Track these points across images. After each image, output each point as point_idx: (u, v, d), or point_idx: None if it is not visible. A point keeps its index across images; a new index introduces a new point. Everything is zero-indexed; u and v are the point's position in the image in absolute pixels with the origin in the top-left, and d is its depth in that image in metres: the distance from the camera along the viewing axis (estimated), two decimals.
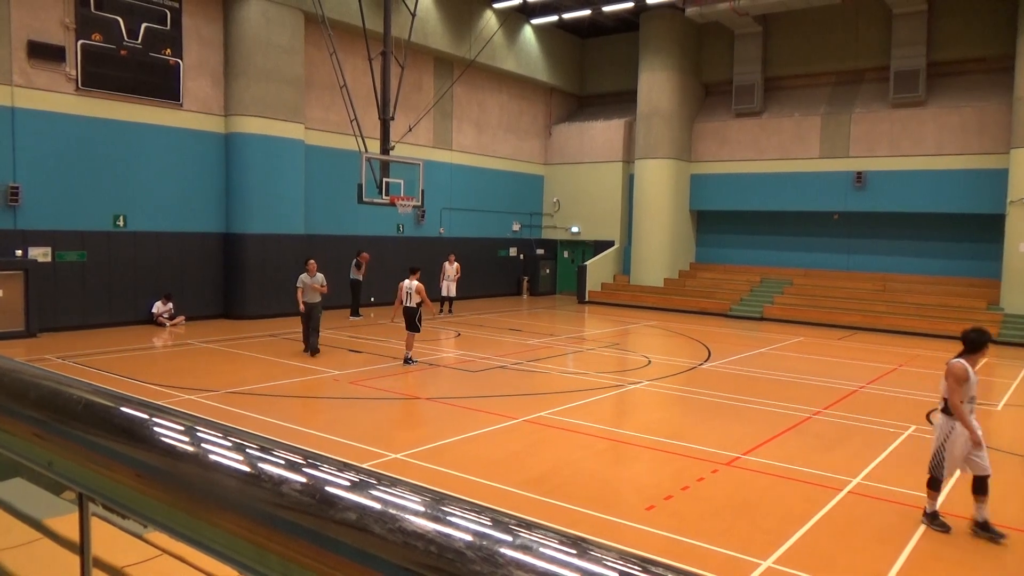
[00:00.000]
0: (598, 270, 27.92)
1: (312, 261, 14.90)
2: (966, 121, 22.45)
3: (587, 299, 27.34)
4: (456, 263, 22.19)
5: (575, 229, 29.58)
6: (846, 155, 24.42)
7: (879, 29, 24.07)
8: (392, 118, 19.83)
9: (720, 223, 27.93)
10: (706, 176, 27.34)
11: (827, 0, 22.42)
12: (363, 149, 18.88)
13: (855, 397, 12.21)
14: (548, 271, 30.27)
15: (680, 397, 12.10)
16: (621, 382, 12.89)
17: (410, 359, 13.87)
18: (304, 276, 14.49)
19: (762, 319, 23.23)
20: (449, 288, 21.93)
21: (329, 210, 21.95)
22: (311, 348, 14.39)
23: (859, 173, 24.00)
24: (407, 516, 0.88)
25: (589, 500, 7.01)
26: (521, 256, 29.43)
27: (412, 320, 13.80)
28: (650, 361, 15.17)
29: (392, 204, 19.29)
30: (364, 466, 1.07)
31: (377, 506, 0.91)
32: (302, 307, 14.39)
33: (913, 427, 10.21)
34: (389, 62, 19.60)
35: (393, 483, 0.98)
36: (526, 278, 29.47)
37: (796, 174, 25.30)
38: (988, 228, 22.08)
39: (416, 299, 13.74)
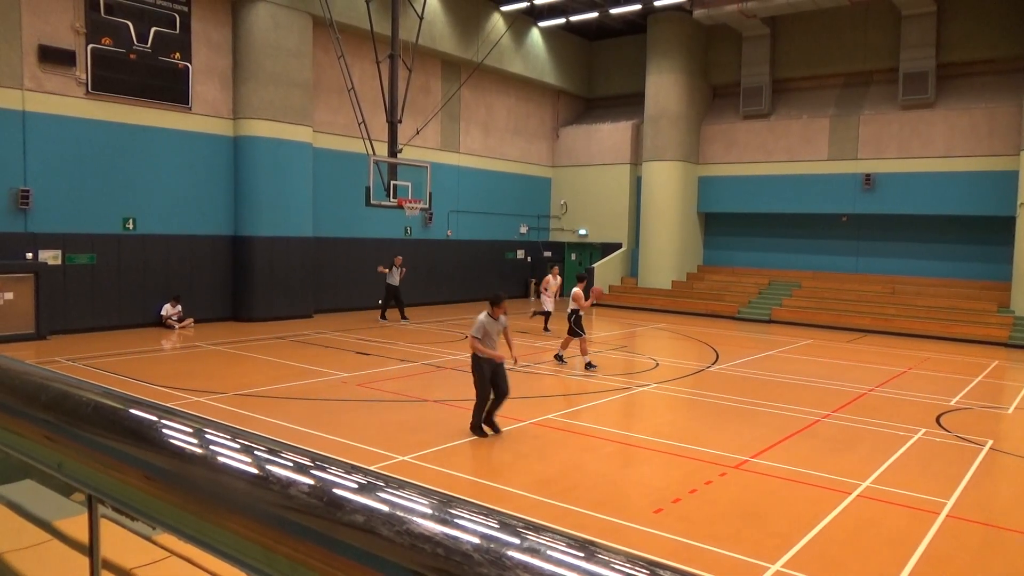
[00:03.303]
0: (605, 272, 27.88)
1: (504, 299, 10.04)
2: (976, 123, 22.34)
3: (594, 302, 27.27)
4: (559, 277, 20.18)
5: (582, 231, 29.56)
6: (855, 157, 24.34)
7: (888, 31, 23.98)
8: (400, 121, 19.88)
9: (728, 225, 27.86)
10: (714, 178, 27.29)
11: (835, 2, 22.37)
12: (371, 152, 18.93)
13: (865, 400, 12.15)
14: None
15: (688, 400, 12.06)
16: (629, 384, 12.86)
17: (590, 364, 14.06)
18: (485, 319, 9.45)
19: (770, 322, 23.15)
20: (546, 303, 19.61)
21: (337, 213, 22.01)
22: (492, 423, 9.35)
23: (868, 175, 23.90)
24: (414, 518, 0.88)
25: (597, 503, 7.00)
26: (528, 258, 29.43)
27: (568, 325, 14.31)
28: (658, 363, 15.14)
29: (400, 207, 19.33)
30: (371, 468, 1.07)
31: (385, 508, 0.91)
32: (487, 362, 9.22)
33: (923, 430, 10.15)
34: (397, 65, 19.65)
35: (400, 485, 0.98)
36: (533, 280, 29.46)
37: (804, 176, 25.22)
38: (998, 230, 21.95)
39: (572, 304, 14.28)
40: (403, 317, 20.58)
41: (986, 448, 9.45)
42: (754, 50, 26.25)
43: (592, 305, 16.67)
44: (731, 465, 8.33)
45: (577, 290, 14.33)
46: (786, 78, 26.27)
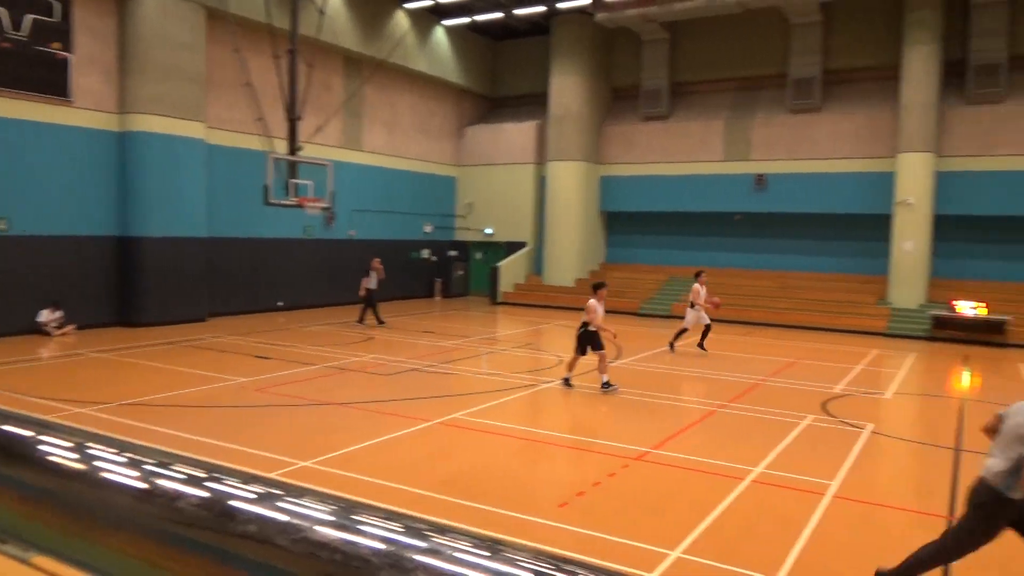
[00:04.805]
0: (511, 271, 28.11)
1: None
2: (858, 127, 23.80)
3: (500, 300, 27.48)
4: (706, 286, 16.68)
5: (488, 230, 29.67)
6: (748, 158, 25.47)
7: (778, 38, 25.21)
8: (299, 118, 19.37)
9: (629, 224, 28.61)
10: (616, 178, 27.96)
11: (729, 10, 23.32)
12: (269, 149, 18.37)
13: (757, 390, 12.74)
14: (461, 273, 30.26)
15: (592, 395, 12.30)
16: (534, 381, 13.01)
17: (606, 383, 12.18)
18: (597, 304, 11.97)
19: (670, 317, 23.91)
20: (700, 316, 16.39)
21: (233, 212, 21.23)
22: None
23: (760, 175, 25.06)
24: (312, 526, 0.87)
25: (503, 500, 7.05)
26: (434, 258, 29.30)
27: (576, 341, 12.47)
28: (562, 360, 15.37)
29: (300, 206, 18.83)
30: (270, 476, 1.04)
31: (281, 517, 0.89)
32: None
33: (811, 417, 10.74)
34: (296, 60, 19.14)
35: (298, 493, 0.96)
36: (439, 280, 29.35)
37: (701, 176, 26.18)
38: (877, 228, 23.46)
39: (585, 317, 12.33)
40: (379, 321, 19.88)
41: (867, 431, 10.09)
42: (654, 54, 27.04)
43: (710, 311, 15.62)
44: (633, 457, 8.56)
45: (593, 301, 12.35)
46: (684, 81, 27.19)
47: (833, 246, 25.00)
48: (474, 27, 28.55)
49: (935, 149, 22.02)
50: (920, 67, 21.85)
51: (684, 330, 16.56)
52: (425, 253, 28.77)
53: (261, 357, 14.61)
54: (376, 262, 20.14)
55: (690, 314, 16.34)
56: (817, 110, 24.52)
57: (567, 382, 12.43)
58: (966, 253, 22.94)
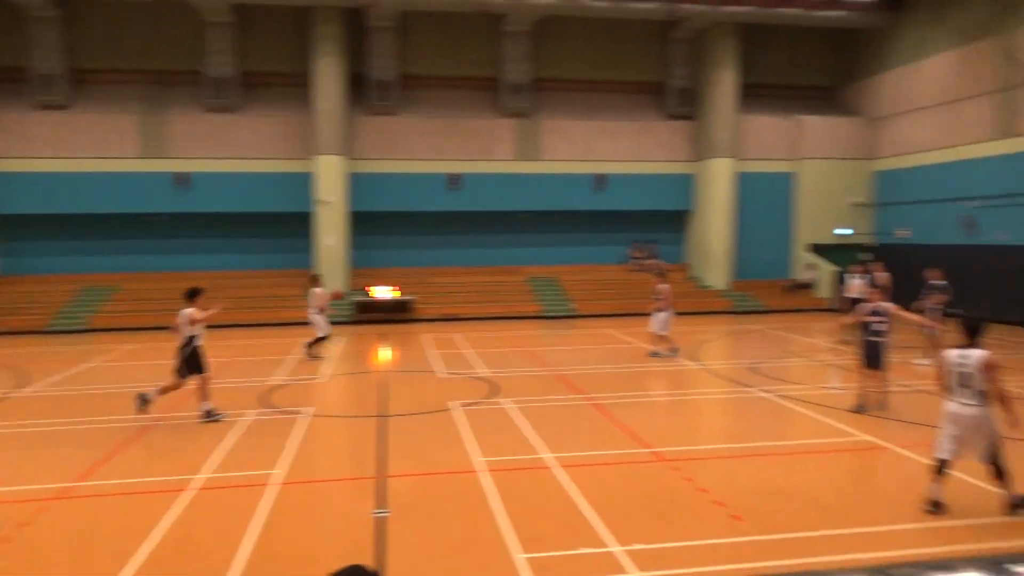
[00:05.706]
0: None
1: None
2: (277, 129, 24.71)
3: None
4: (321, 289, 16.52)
5: None
6: (168, 156, 24.14)
7: (192, 34, 24.43)
8: None
9: (28, 228, 24.33)
10: (9, 175, 23.47)
11: None
12: None
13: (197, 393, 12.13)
14: None
15: None
16: None
17: (212, 412, 10.36)
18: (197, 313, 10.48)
19: (90, 330, 21.21)
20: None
21: None
22: None
23: (180, 174, 24.02)
24: None
25: None
26: None
27: (179, 360, 10.66)
28: None
29: None
30: None
31: None
32: None
33: (253, 412, 10.70)
34: None
35: None
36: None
37: (115, 174, 23.86)
38: (303, 224, 24.77)
39: (188, 329, 10.53)
40: None
41: (307, 415, 10.53)
42: (44, 32, 23.49)
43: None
44: (50, 497, 7.20)
45: (191, 310, 10.48)
46: (86, 68, 24.31)
47: (263, 243, 25.58)
48: None
49: (346, 152, 24.28)
50: (328, 78, 23.74)
51: (322, 337, 16.15)
52: None
53: None
54: None
55: (319, 320, 16.04)
56: (235, 110, 24.62)
57: (144, 400, 10.37)
58: (379, 244, 26.02)
